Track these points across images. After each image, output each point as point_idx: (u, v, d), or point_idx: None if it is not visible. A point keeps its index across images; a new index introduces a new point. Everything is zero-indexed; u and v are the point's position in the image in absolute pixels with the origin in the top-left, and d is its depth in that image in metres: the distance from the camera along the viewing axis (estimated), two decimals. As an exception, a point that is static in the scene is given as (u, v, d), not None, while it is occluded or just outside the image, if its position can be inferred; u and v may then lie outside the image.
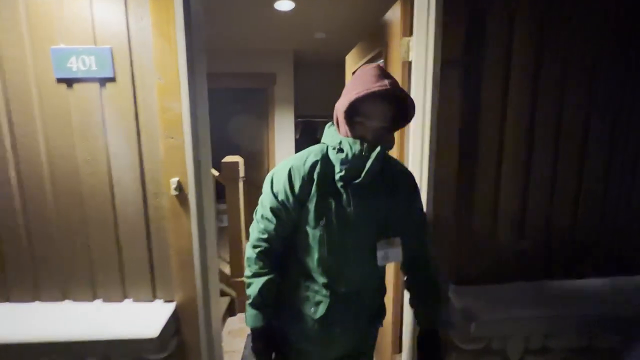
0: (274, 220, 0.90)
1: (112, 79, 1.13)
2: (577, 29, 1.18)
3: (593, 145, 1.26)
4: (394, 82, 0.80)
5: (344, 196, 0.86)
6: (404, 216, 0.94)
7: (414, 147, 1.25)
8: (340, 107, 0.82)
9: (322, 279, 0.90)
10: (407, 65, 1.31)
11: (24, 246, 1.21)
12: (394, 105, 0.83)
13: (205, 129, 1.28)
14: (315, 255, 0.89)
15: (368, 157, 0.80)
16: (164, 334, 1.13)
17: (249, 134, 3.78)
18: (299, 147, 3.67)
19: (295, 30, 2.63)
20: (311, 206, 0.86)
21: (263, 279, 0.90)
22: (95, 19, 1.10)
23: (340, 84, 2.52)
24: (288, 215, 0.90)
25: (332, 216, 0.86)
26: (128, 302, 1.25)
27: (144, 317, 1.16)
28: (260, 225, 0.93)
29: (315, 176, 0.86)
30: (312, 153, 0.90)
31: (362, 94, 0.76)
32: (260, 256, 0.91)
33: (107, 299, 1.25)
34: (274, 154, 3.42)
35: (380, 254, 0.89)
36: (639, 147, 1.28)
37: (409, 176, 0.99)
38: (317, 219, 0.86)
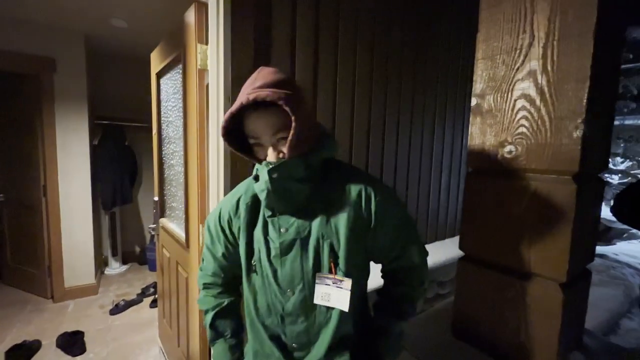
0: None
1: None
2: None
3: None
4: (267, 84, 0.63)
5: (270, 227, 0.74)
6: (359, 244, 0.72)
7: (212, 155, 1.24)
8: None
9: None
10: (204, 74, 1.29)
11: None
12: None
13: None
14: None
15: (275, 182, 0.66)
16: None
17: (5, 136, 2.69)
18: (97, 156, 2.94)
19: (85, 8, 2.11)
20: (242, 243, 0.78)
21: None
22: None
23: (148, 83, 2.19)
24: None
25: (261, 253, 0.75)
26: None
27: None
28: None
29: (242, 210, 0.78)
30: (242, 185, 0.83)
31: (233, 110, 0.63)
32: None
33: None
34: (55, 162, 2.58)
35: (318, 290, 0.71)
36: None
37: (362, 190, 0.72)
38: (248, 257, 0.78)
